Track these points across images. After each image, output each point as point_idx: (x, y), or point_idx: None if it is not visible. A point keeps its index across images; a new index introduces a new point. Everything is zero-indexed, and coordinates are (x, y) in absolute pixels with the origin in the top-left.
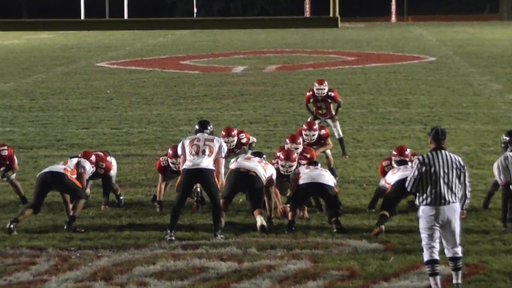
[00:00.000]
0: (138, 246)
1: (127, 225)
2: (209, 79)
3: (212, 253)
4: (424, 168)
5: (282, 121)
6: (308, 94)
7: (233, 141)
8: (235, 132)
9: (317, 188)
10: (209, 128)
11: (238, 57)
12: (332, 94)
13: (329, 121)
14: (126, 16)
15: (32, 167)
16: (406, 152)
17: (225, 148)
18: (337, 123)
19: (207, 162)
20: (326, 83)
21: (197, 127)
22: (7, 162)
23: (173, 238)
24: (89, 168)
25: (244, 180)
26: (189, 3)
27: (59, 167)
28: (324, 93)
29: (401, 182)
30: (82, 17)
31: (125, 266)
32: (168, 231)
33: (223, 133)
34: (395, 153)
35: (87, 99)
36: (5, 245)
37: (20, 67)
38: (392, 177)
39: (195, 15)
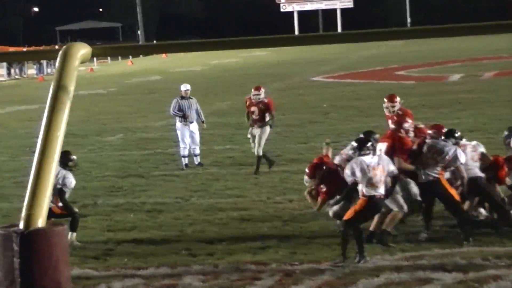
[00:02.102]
0: None
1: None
2: (424, 89)
3: (436, 264)
4: None
5: (501, 128)
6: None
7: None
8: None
9: None
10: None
11: (454, 65)
12: (266, 100)
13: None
14: (339, 29)
15: (253, 184)
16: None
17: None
18: (264, 136)
19: None
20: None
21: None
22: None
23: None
24: None
25: None
26: (402, 14)
27: None
28: (259, 98)
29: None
30: (296, 32)
31: (349, 279)
32: None
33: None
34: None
35: (303, 114)
36: (230, 261)
37: (236, 84)
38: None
39: (408, 25)
